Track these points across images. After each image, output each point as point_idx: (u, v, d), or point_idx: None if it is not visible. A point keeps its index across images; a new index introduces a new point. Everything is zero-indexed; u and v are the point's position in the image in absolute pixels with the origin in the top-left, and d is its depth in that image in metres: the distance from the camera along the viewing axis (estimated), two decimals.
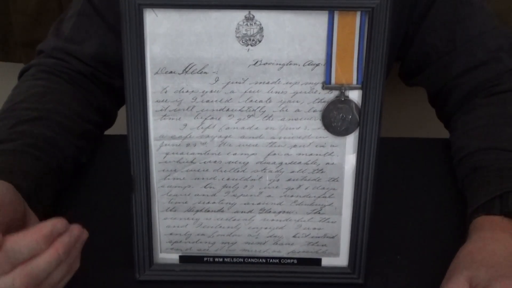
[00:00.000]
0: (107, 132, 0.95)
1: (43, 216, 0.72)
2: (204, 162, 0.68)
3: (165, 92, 0.66)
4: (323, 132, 0.67)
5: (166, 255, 0.72)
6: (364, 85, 0.65)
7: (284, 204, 0.70)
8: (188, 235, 0.71)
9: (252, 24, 0.63)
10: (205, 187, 0.69)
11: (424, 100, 1.01)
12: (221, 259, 0.72)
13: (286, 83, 0.65)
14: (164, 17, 0.63)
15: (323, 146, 0.68)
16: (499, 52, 0.90)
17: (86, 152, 0.87)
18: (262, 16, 0.63)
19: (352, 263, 0.71)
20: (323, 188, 0.69)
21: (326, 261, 0.72)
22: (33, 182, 0.72)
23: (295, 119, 0.67)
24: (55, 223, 0.60)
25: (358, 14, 0.63)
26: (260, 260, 0.72)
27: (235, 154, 0.68)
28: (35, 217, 0.68)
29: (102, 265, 0.72)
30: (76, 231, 0.62)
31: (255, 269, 0.72)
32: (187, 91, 0.66)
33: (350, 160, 0.68)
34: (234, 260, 0.72)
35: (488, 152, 0.80)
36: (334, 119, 0.66)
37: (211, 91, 0.66)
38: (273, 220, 0.70)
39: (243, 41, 0.64)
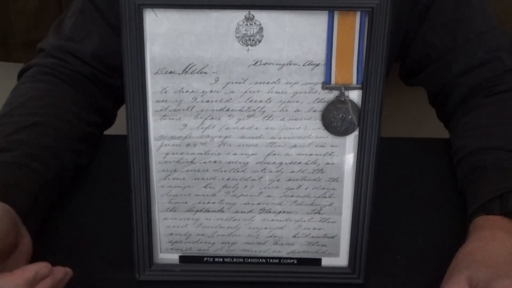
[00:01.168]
0: (107, 132, 0.95)
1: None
2: (204, 162, 0.68)
3: (165, 92, 0.66)
4: (323, 132, 0.67)
5: (166, 255, 0.72)
6: (364, 85, 0.65)
7: (284, 204, 0.70)
8: (188, 235, 0.71)
9: (252, 24, 0.63)
10: (205, 187, 0.69)
11: (424, 100, 1.01)
12: (221, 259, 0.72)
13: (286, 83, 0.65)
14: (164, 17, 0.63)
15: (323, 146, 0.68)
16: (499, 52, 0.90)
17: (86, 155, 0.86)
18: (262, 16, 0.63)
19: (352, 263, 0.71)
20: (323, 188, 0.69)
21: (326, 261, 0.72)
22: (30, 197, 0.72)
23: (295, 119, 0.67)
24: (39, 268, 0.60)
25: (358, 14, 0.63)
26: (260, 260, 0.72)
27: (235, 154, 0.68)
28: (28, 236, 0.67)
29: (102, 265, 0.72)
30: (59, 274, 0.62)
31: (255, 269, 0.72)
32: (187, 91, 0.66)
33: (350, 160, 0.68)
34: (234, 260, 0.72)
35: (488, 152, 0.80)
36: (334, 119, 0.66)
37: (211, 91, 0.66)
38: (273, 220, 0.70)
39: (243, 41, 0.64)
